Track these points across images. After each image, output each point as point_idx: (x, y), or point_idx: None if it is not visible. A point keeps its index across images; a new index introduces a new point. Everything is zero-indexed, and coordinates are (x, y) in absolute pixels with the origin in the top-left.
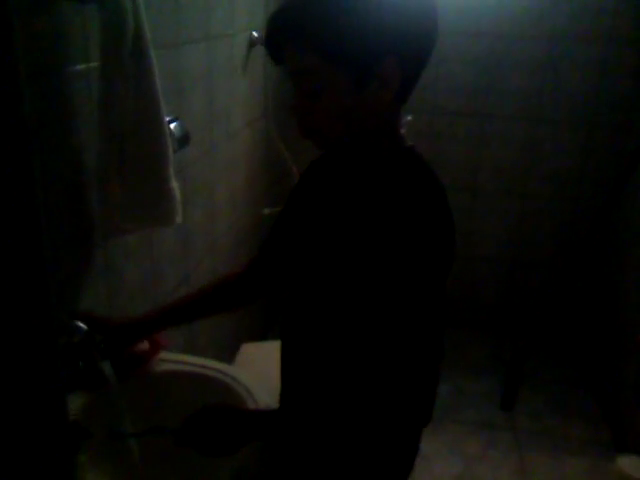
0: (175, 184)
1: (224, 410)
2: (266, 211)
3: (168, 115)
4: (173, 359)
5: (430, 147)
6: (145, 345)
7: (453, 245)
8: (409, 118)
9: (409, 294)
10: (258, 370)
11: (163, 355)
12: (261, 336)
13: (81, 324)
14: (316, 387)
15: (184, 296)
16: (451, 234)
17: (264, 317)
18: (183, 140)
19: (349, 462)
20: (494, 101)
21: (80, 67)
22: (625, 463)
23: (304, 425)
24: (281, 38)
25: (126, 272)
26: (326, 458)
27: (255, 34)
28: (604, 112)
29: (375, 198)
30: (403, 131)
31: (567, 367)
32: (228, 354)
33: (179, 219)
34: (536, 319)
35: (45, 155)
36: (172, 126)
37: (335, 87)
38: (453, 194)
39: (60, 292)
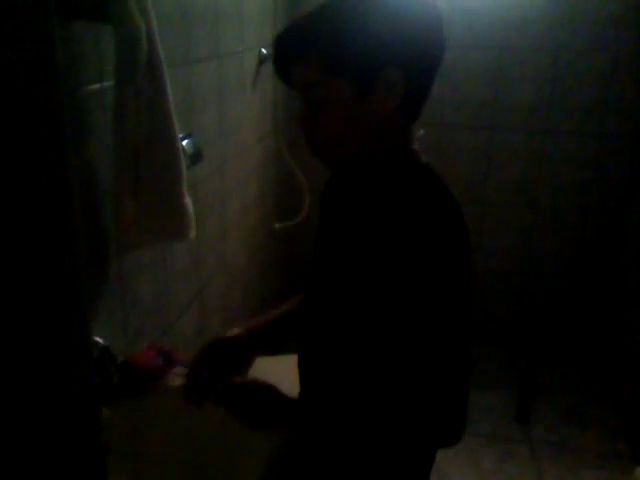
0: (189, 200)
1: (267, 387)
2: (277, 226)
3: (180, 132)
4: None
5: (438, 160)
6: (161, 360)
7: (470, 260)
8: (422, 132)
9: (432, 309)
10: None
11: (177, 370)
12: (274, 350)
13: (99, 339)
14: (336, 401)
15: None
16: (469, 249)
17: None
18: (195, 157)
19: (368, 474)
20: (501, 113)
21: (94, 86)
22: None
23: (324, 437)
24: (287, 54)
25: (140, 287)
26: (346, 471)
27: (264, 51)
28: (612, 122)
29: (396, 215)
30: (416, 146)
31: (582, 378)
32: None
33: (193, 234)
34: (549, 330)
35: None
36: (184, 143)
37: (339, 98)
38: (462, 207)
39: None
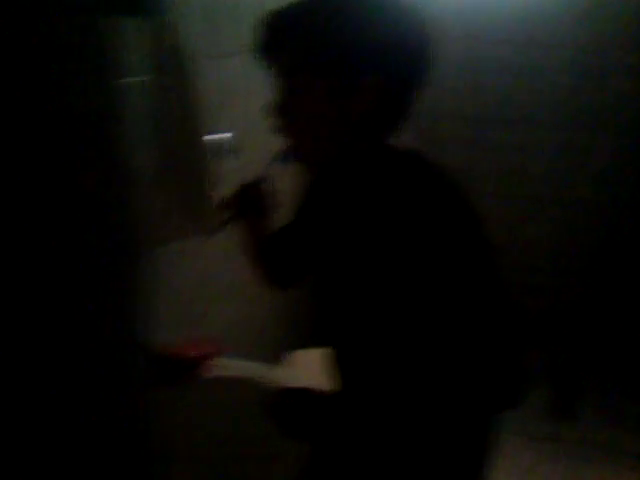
0: (218, 193)
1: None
2: None
3: (209, 126)
4: (224, 364)
5: (465, 155)
6: (195, 351)
7: (479, 221)
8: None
9: (464, 275)
10: (306, 377)
11: (215, 361)
12: (307, 343)
13: None
14: (382, 389)
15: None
16: (472, 214)
17: (310, 324)
18: (224, 151)
19: (415, 459)
20: (531, 107)
21: (125, 81)
22: None
23: (369, 427)
24: (271, 39)
25: (174, 281)
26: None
27: None
28: None
29: (392, 195)
30: (393, 143)
31: (627, 378)
32: (274, 361)
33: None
34: (594, 328)
35: None
36: (213, 137)
37: (313, 94)
38: (495, 203)
39: None
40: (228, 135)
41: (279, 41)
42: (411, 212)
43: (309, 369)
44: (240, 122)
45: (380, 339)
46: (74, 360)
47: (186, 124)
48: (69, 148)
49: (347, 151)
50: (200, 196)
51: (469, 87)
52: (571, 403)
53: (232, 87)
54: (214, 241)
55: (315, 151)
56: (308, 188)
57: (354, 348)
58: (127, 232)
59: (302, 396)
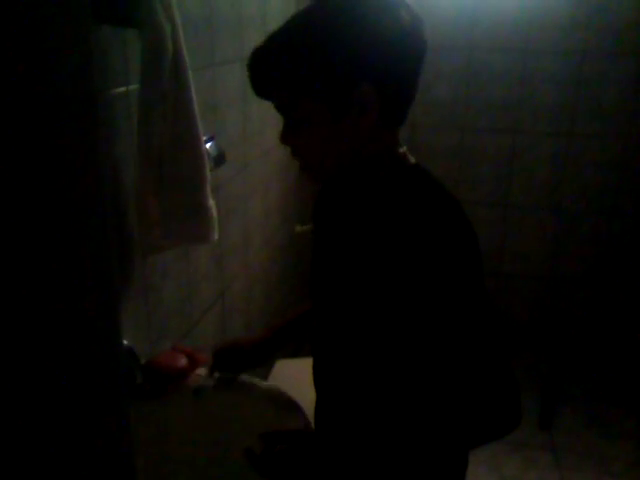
0: (212, 202)
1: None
2: (298, 229)
3: (204, 134)
4: (209, 375)
5: (461, 163)
6: (184, 361)
7: (479, 250)
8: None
9: (450, 308)
10: (293, 386)
11: (200, 371)
12: (294, 352)
13: (124, 341)
14: (354, 409)
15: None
16: (475, 241)
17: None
18: (219, 159)
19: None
20: (525, 116)
21: (120, 89)
22: None
23: (344, 447)
24: (259, 81)
25: (164, 289)
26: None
27: None
28: (639, 124)
29: (392, 220)
30: (403, 150)
31: (607, 385)
32: (262, 370)
33: (216, 237)
34: (574, 335)
35: None
36: (208, 145)
37: (313, 119)
38: (485, 210)
39: None
40: (223, 143)
41: (270, 79)
42: (406, 238)
43: (294, 379)
44: (236, 129)
45: (359, 361)
46: (57, 366)
47: (183, 132)
48: (56, 154)
49: (357, 162)
50: (196, 205)
51: (456, 95)
52: (551, 411)
53: (228, 94)
54: (204, 250)
55: (329, 168)
56: (318, 211)
57: (330, 365)
58: (116, 240)
59: (284, 441)
